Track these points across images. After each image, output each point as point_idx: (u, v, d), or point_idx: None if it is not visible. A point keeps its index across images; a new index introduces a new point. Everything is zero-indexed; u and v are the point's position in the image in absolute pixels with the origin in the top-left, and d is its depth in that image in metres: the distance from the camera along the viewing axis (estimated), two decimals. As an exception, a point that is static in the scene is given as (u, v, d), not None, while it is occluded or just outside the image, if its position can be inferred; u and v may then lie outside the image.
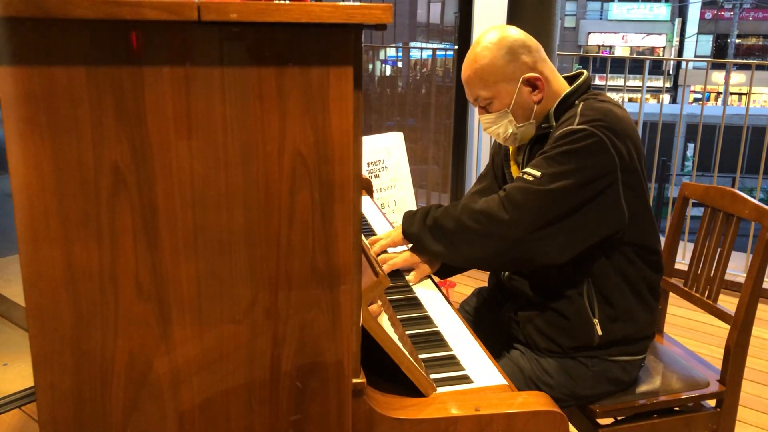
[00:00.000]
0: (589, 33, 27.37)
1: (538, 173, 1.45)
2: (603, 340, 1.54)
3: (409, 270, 1.66)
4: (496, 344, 1.63)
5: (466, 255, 1.52)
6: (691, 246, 2.14)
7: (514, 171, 1.70)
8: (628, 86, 4.42)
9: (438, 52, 5.30)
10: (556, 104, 1.55)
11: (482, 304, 1.86)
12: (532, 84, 1.54)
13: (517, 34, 1.55)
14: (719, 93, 23.22)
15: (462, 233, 1.50)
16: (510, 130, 1.57)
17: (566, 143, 1.43)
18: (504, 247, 1.47)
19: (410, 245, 1.64)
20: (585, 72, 1.61)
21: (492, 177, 1.84)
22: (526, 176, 1.47)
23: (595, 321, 1.52)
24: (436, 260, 1.63)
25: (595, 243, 1.48)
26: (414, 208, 3.31)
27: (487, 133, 1.62)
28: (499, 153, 1.80)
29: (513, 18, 3.18)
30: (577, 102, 1.54)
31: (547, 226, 1.44)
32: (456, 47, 4.41)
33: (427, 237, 1.55)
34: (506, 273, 1.68)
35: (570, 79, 1.62)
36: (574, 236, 1.45)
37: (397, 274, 1.65)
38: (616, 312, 1.53)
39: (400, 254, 1.64)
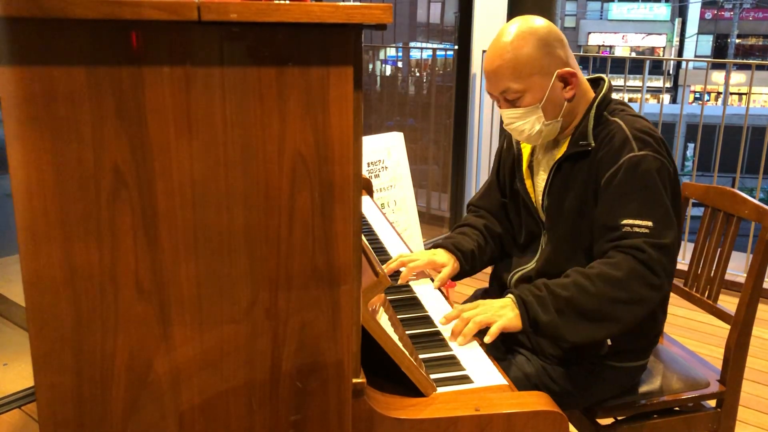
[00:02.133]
0: (589, 33, 27.38)
1: (649, 223, 1.38)
2: (611, 350, 1.53)
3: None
4: (498, 347, 1.61)
5: (610, 330, 1.40)
6: (691, 246, 2.13)
7: (526, 175, 1.64)
8: (628, 86, 4.42)
9: (438, 52, 5.31)
10: (592, 119, 1.50)
11: None
12: (566, 80, 1.48)
13: (548, 25, 1.48)
14: (719, 93, 23.22)
15: (607, 308, 1.37)
16: (537, 127, 1.49)
17: (642, 177, 1.40)
18: (647, 310, 1.40)
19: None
20: (606, 79, 1.57)
21: (497, 184, 1.78)
22: (638, 229, 1.39)
23: None
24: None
25: None
26: (414, 208, 3.31)
27: (508, 129, 1.54)
28: (507, 158, 1.72)
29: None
30: (607, 116, 1.50)
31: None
32: (456, 47, 4.41)
33: (563, 323, 1.38)
34: (513, 278, 1.64)
35: (591, 84, 1.59)
36: None
37: (397, 274, 1.65)
38: None
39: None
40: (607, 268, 1.38)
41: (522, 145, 1.67)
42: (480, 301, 1.44)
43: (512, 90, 1.47)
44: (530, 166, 1.65)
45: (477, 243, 1.73)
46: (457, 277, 1.71)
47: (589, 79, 1.60)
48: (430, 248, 1.72)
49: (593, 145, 1.48)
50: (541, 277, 1.54)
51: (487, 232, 1.76)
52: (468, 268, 1.71)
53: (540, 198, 1.59)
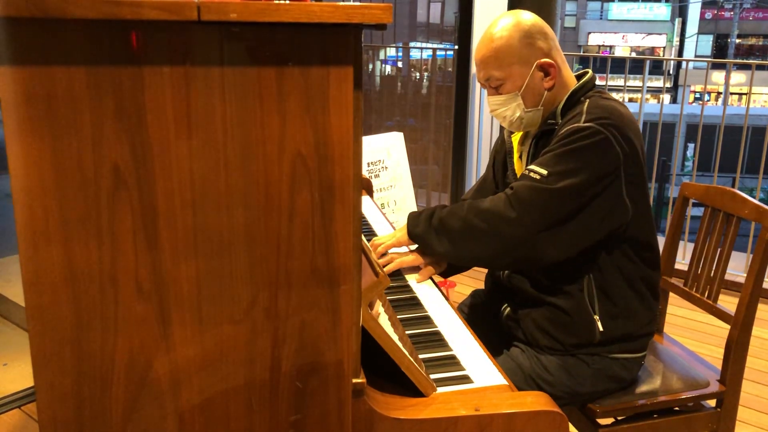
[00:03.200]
0: (589, 33, 27.38)
1: (544, 171, 1.45)
2: (604, 337, 1.54)
3: (411, 269, 1.66)
4: (495, 343, 1.63)
5: (472, 254, 1.53)
6: (691, 246, 2.14)
7: (518, 167, 1.70)
8: (628, 86, 4.42)
9: (438, 52, 5.31)
10: (563, 101, 1.56)
11: (480, 304, 1.86)
12: (545, 70, 1.55)
13: (533, 19, 1.56)
14: (719, 93, 23.22)
15: (468, 232, 1.50)
16: (517, 114, 1.58)
17: (573, 141, 1.44)
18: (510, 246, 1.47)
19: (416, 246, 1.65)
20: (590, 71, 1.62)
21: (491, 178, 1.84)
22: (532, 174, 1.47)
23: (596, 317, 1.53)
24: (442, 260, 1.64)
25: (597, 239, 1.49)
26: (414, 208, 3.31)
27: (493, 115, 1.62)
28: (500, 152, 1.79)
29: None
30: (582, 99, 1.55)
31: (553, 224, 1.44)
32: (456, 47, 4.41)
33: (432, 237, 1.55)
34: (506, 272, 1.67)
35: (576, 78, 1.64)
36: (579, 233, 1.46)
37: (397, 274, 1.65)
38: (616, 308, 1.54)
39: (406, 254, 1.65)
40: (480, 201, 1.52)
41: (513, 138, 1.72)
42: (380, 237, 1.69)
43: (494, 78, 1.56)
44: (521, 156, 1.70)
45: None
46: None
47: (576, 75, 1.65)
48: None
49: (560, 122, 1.54)
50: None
51: None
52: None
53: None
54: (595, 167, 1.43)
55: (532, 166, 1.49)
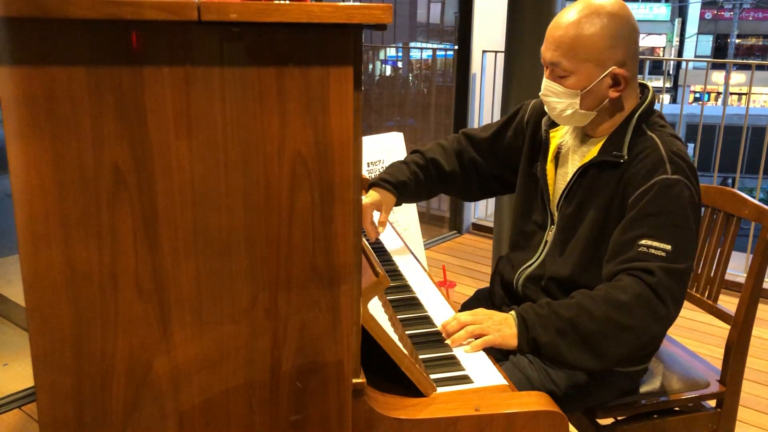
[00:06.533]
0: (589, 33, 27.32)
1: (668, 246, 1.33)
2: None
3: (411, 270, 1.66)
4: (501, 349, 1.59)
5: (612, 356, 1.35)
6: (691, 246, 2.13)
7: (550, 173, 1.58)
8: (628, 86, 4.41)
9: (438, 52, 5.31)
10: (630, 132, 1.45)
11: (483, 305, 1.84)
12: (617, 80, 1.42)
13: (629, 16, 1.41)
14: (719, 93, 23.22)
15: (610, 333, 1.33)
16: (569, 111, 1.45)
17: (671, 203, 1.36)
18: (652, 340, 1.36)
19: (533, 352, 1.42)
20: (650, 88, 1.51)
21: (491, 143, 1.74)
22: (654, 251, 1.34)
23: None
24: (567, 368, 1.46)
25: None
26: (414, 207, 3.31)
27: (542, 98, 1.50)
28: (530, 139, 1.65)
29: (513, 18, 3.18)
30: (645, 129, 1.46)
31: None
32: (456, 47, 4.41)
33: (562, 345, 1.34)
34: (520, 280, 1.61)
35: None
36: None
37: (397, 274, 1.65)
38: None
39: (490, 332, 1.39)
40: (614, 291, 1.33)
41: (551, 133, 1.62)
42: (481, 310, 1.42)
43: (562, 66, 1.41)
44: (557, 156, 1.59)
45: (415, 175, 1.74)
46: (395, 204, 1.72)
47: None
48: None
49: (626, 158, 1.43)
50: (552, 279, 1.53)
51: (434, 167, 1.77)
52: (399, 198, 1.72)
53: (558, 193, 1.56)
54: (695, 225, 1.39)
55: (646, 242, 1.34)
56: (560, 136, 1.60)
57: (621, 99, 1.46)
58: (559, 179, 1.58)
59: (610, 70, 1.40)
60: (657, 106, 1.56)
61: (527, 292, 1.59)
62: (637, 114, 1.46)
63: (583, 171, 1.49)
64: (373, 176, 1.89)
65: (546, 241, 1.59)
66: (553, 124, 1.60)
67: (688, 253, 1.37)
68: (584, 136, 1.55)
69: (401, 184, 1.71)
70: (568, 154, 1.56)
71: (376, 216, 1.70)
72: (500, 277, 1.72)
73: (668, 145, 1.42)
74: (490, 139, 1.76)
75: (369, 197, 1.69)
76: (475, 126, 2.95)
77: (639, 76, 1.51)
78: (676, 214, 1.36)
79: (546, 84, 1.47)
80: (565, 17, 1.40)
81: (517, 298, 1.64)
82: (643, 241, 1.35)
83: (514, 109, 1.75)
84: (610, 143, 1.46)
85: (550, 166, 1.59)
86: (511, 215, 1.73)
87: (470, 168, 1.78)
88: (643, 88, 1.52)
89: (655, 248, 1.34)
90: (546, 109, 1.53)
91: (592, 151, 1.51)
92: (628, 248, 1.36)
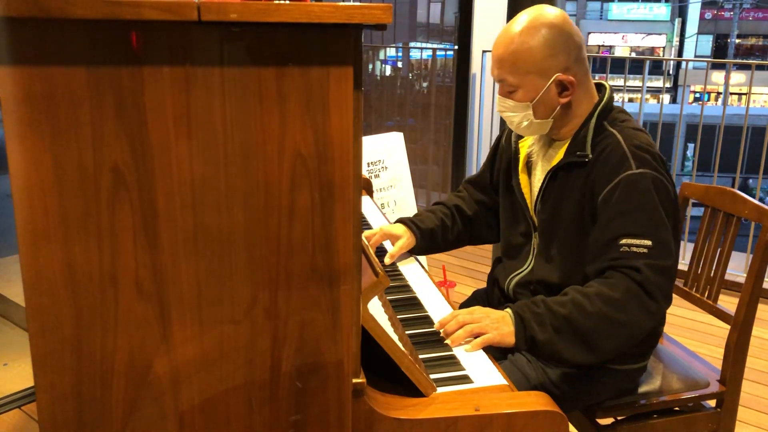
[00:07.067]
0: (589, 33, 27.36)
1: (648, 242, 1.36)
2: None
3: (411, 269, 1.66)
4: (499, 348, 1.59)
5: (606, 350, 1.38)
6: (691, 246, 2.13)
7: (523, 182, 1.61)
8: (628, 86, 4.42)
9: (438, 52, 5.31)
10: (591, 131, 1.47)
11: (481, 305, 1.84)
12: (563, 86, 1.45)
13: (562, 23, 1.44)
14: (719, 93, 23.22)
15: (604, 328, 1.36)
16: (525, 123, 1.49)
17: (643, 196, 1.38)
18: (641, 334, 1.40)
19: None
20: (607, 85, 1.55)
21: (488, 172, 1.78)
22: (636, 249, 1.37)
23: None
24: (561, 364, 1.49)
25: None
26: (414, 208, 3.31)
27: (500, 114, 1.54)
28: (502, 158, 1.71)
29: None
30: (607, 126, 1.48)
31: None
32: (456, 47, 4.41)
33: (558, 342, 1.36)
34: (511, 284, 1.63)
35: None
36: None
37: (397, 274, 1.65)
38: None
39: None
40: (605, 288, 1.36)
41: (519, 144, 1.65)
42: (478, 308, 1.42)
43: (507, 82, 1.46)
44: (527, 164, 1.63)
45: (441, 221, 1.75)
46: (416, 251, 1.74)
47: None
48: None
49: (591, 156, 1.46)
50: (541, 283, 1.55)
51: (458, 213, 1.78)
52: (426, 245, 1.73)
53: (534, 200, 1.58)
54: (671, 215, 1.41)
55: (627, 240, 1.37)
56: (528, 145, 1.63)
57: (576, 102, 1.49)
58: (533, 186, 1.61)
59: (554, 77, 1.44)
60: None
61: (519, 298, 1.61)
62: (596, 112, 1.49)
63: (553, 174, 1.52)
64: (373, 176, 1.89)
65: (533, 249, 1.60)
66: (520, 135, 1.64)
67: (670, 245, 1.39)
68: (550, 140, 1.58)
69: (428, 231, 1.73)
70: (538, 161, 1.60)
71: (387, 246, 1.73)
72: (495, 279, 1.74)
73: (630, 140, 1.44)
74: (485, 174, 1.81)
75: (392, 228, 1.71)
76: (474, 126, 2.95)
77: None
78: (648, 208, 1.39)
79: (499, 100, 1.52)
80: (504, 35, 1.46)
81: (510, 301, 1.65)
82: (624, 240, 1.38)
83: (497, 136, 1.80)
84: (574, 144, 1.50)
85: (522, 175, 1.63)
86: (501, 229, 1.76)
87: (482, 209, 1.81)
88: (600, 86, 1.55)
89: (636, 246, 1.37)
90: (504, 140, 1.59)
91: (559, 154, 1.53)
92: (610, 249, 1.39)
